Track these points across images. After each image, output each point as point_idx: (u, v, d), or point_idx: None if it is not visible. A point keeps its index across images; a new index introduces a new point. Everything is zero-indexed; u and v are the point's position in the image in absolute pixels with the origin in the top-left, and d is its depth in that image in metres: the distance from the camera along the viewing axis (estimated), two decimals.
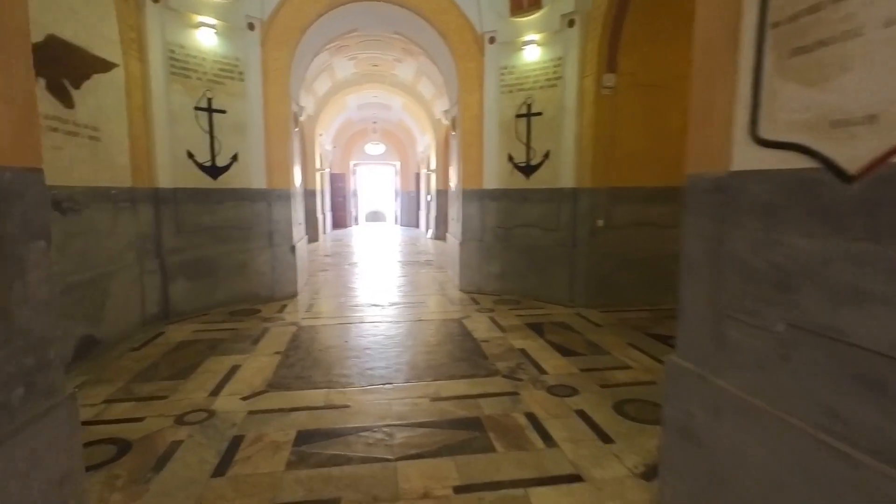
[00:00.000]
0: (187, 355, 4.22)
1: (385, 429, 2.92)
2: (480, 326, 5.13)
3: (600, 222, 5.92)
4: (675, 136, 6.00)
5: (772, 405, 1.61)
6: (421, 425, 2.97)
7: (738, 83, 1.74)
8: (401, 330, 5.05)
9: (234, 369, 3.88)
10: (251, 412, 3.14)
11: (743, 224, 1.72)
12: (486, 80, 6.63)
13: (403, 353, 4.28)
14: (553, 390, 3.47)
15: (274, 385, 3.57)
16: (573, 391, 3.45)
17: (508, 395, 3.39)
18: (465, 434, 2.85)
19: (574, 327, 5.08)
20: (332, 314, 5.71)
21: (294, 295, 6.59)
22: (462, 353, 4.27)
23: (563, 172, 6.19)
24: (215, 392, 3.44)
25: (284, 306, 6.04)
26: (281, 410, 3.16)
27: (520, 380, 3.67)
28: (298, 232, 7.10)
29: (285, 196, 6.50)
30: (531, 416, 3.07)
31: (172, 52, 5.36)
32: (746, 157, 1.71)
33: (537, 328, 5.05)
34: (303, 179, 12.83)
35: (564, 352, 4.29)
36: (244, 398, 3.34)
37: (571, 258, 6.16)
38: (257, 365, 3.98)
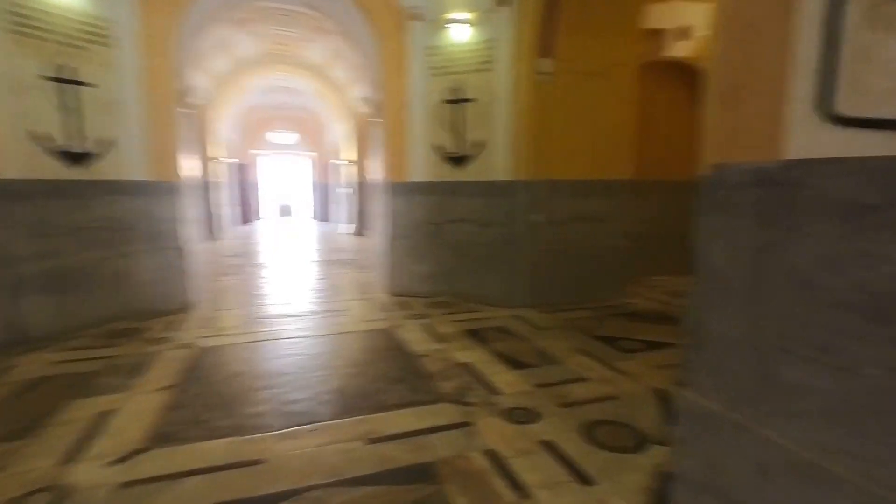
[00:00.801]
0: (38, 400, 3.21)
1: (314, 492, 2.26)
2: (416, 337, 4.55)
3: (539, 217, 5.57)
4: (613, 128, 5.81)
5: (853, 472, 1.21)
6: (359, 482, 2.34)
7: (798, 42, 1.31)
8: (323, 346, 4.33)
9: (103, 417, 2.97)
10: (125, 484, 2.32)
11: (809, 229, 1.29)
12: (412, 62, 6.01)
13: (329, 378, 3.59)
14: (511, 415, 2.99)
15: (160, 437, 2.74)
16: (534, 415, 2.99)
17: (461, 428, 2.85)
18: (415, 490, 2.27)
19: (517, 332, 4.67)
20: (238, 329, 4.83)
21: (188, 307, 5.56)
22: (399, 373, 3.67)
23: (499, 164, 5.76)
24: (72, 456, 2.55)
25: (176, 322, 5.03)
26: (169, 477, 2.37)
27: (471, 404, 3.15)
28: (192, 230, 6.03)
29: (172, 189, 5.44)
30: (492, 455, 2.56)
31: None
32: (813, 142, 1.28)
33: (479, 335, 4.57)
34: (203, 170, 11.40)
35: (514, 363, 3.85)
36: (115, 462, 2.50)
37: (508, 256, 5.76)
38: (137, 408, 3.10)
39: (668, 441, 2.62)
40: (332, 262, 9.21)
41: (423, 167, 6.16)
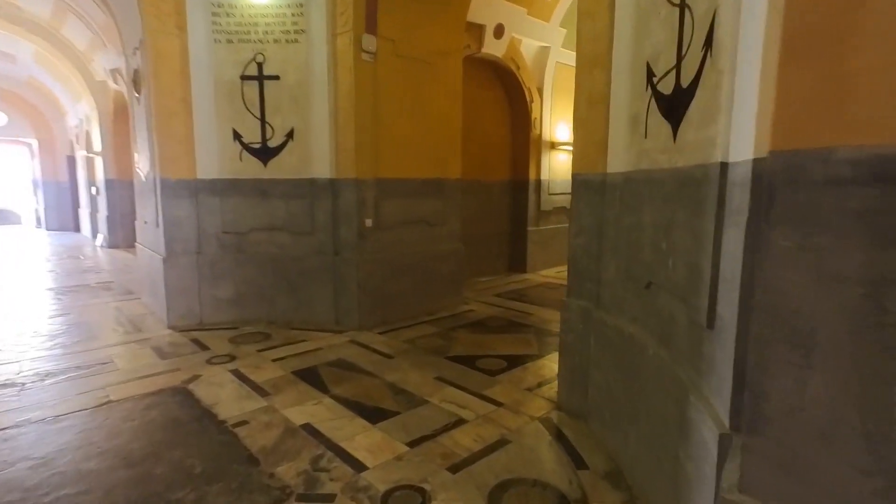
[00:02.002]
0: None
1: None
2: (225, 393, 3.28)
3: (369, 222, 4.75)
4: (443, 122, 5.32)
5: None
6: None
7: None
8: (67, 438, 2.75)
9: None
10: None
11: None
12: (192, 19, 4.53)
13: (81, 502, 2.17)
14: None
15: None
16: (423, 496, 2.20)
17: None
18: None
19: (361, 365, 3.78)
20: None
21: None
22: (207, 464, 2.46)
23: (317, 158, 4.74)
24: None
25: None
26: None
27: (330, 500, 2.19)
28: None
29: None
30: None
31: None
32: None
33: (314, 377, 3.54)
34: None
35: (370, 413, 2.98)
36: None
37: (335, 269, 4.80)
38: None
39: (590, 497, 2.14)
40: (78, 288, 6.74)
41: (216, 161, 4.73)
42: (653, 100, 2.12)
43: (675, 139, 1.92)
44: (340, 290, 4.81)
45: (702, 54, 1.68)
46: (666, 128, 1.99)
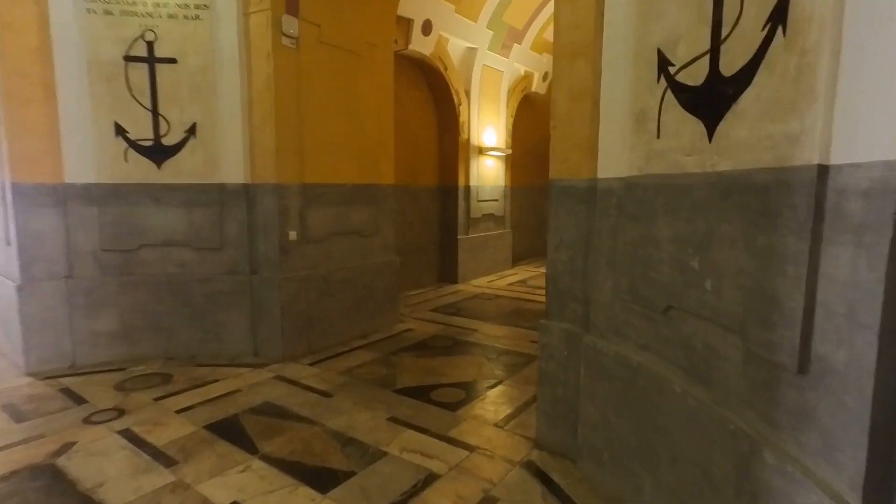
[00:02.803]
0: None
1: None
2: (111, 467, 2.47)
3: (293, 234, 4.07)
4: (375, 122, 4.78)
5: None
6: None
7: None
8: None
9: None
10: None
11: None
12: None
13: None
14: None
15: None
16: None
17: None
18: None
19: (294, 409, 3.13)
20: None
21: None
22: None
23: (227, 159, 3.98)
24: None
25: None
26: None
27: None
28: None
29: None
30: None
31: None
32: None
33: (233, 431, 2.83)
34: None
35: (316, 478, 2.37)
36: None
37: (252, 290, 4.05)
38: None
39: None
40: None
41: (92, 161, 3.78)
42: (669, 92, 1.81)
43: (710, 138, 1.61)
44: (259, 314, 4.07)
45: (763, 33, 1.37)
46: (693, 125, 1.68)
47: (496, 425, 2.93)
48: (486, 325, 5.03)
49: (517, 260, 8.92)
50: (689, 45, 1.71)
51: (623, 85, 2.11)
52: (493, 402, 3.25)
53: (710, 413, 1.61)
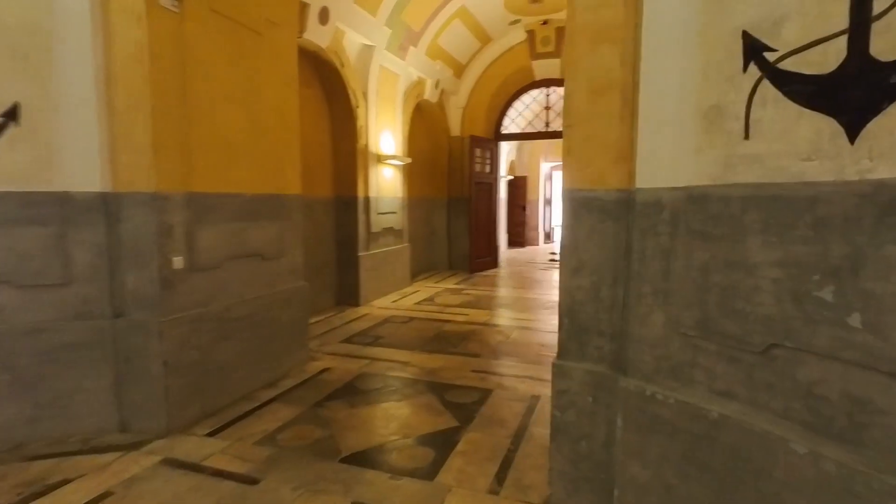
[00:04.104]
0: None
1: None
2: None
3: (178, 261, 3.03)
4: (279, 118, 3.90)
5: None
6: None
7: None
8: None
9: None
10: None
11: None
12: None
13: None
14: None
15: None
16: None
17: None
18: None
19: None
20: None
21: None
22: None
23: (70, 157, 2.82)
24: None
25: None
26: None
27: None
28: None
29: None
30: None
31: None
32: None
33: None
34: None
35: None
36: None
37: (116, 341, 2.92)
38: None
39: None
40: None
41: None
42: (767, 84, 1.48)
43: (852, 139, 1.30)
44: (128, 373, 2.94)
45: None
46: (816, 122, 1.36)
47: (491, 492, 2.36)
48: (416, 356, 4.42)
49: (414, 276, 8.41)
50: (803, 25, 1.39)
51: (679, 76, 1.74)
52: (471, 459, 2.67)
53: (866, 481, 1.27)
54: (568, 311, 2.13)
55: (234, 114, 3.42)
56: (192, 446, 2.79)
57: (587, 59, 2.00)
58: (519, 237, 14.48)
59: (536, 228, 15.55)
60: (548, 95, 9.40)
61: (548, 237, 16.50)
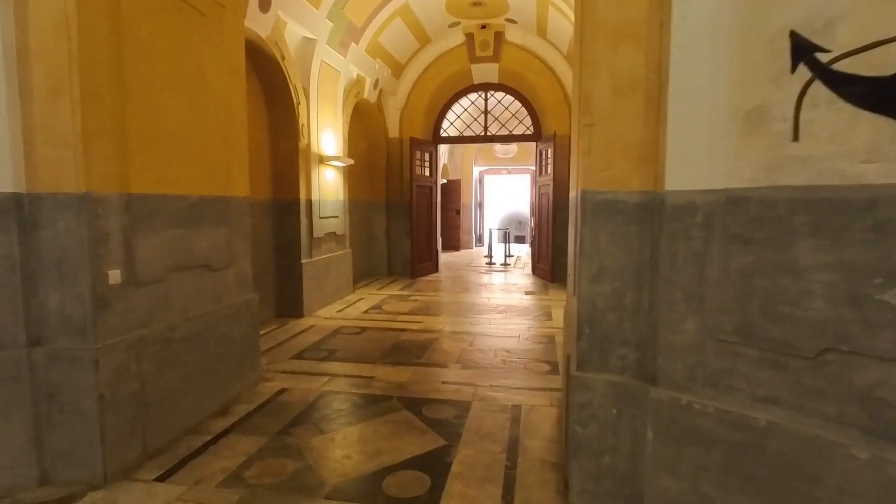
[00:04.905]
0: None
1: None
2: None
3: (115, 275, 2.55)
4: (226, 111, 3.48)
5: None
6: None
7: None
8: None
9: None
10: None
11: None
12: None
13: None
14: None
15: None
16: None
17: None
18: None
19: None
20: None
21: None
22: None
23: None
24: None
25: None
26: None
27: None
28: None
29: None
30: None
31: None
32: None
33: None
34: None
35: None
36: None
37: (32, 375, 2.40)
38: None
39: None
40: None
41: None
42: (819, 85, 1.46)
43: None
44: (52, 414, 2.42)
45: None
46: (875, 124, 1.36)
47: None
48: (379, 369, 4.14)
49: (354, 283, 8.04)
50: (861, 26, 1.38)
51: (712, 76, 1.69)
52: (470, 481, 2.48)
53: None
54: (588, 319, 2.02)
55: (177, 103, 2.97)
56: (139, 496, 2.35)
57: (609, 56, 1.91)
58: (453, 241, 14.47)
59: (469, 232, 15.65)
60: (486, 100, 9.45)
61: (479, 240, 16.68)
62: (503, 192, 18.57)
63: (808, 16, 1.48)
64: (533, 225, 16.15)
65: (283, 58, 5.54)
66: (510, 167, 16.37)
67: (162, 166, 2.86)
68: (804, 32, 1.48)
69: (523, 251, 14.60)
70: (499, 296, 7.57)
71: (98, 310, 2.44)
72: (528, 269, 10.43)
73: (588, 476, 2.05)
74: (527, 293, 7.82)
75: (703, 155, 1.74)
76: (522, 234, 17.48)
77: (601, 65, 1.93)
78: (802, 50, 1.49)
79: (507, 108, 9.63)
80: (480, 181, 17.07)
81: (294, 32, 5.70)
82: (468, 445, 2.84)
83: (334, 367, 4.23)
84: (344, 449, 2.82)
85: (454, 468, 2.60)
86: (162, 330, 2.86)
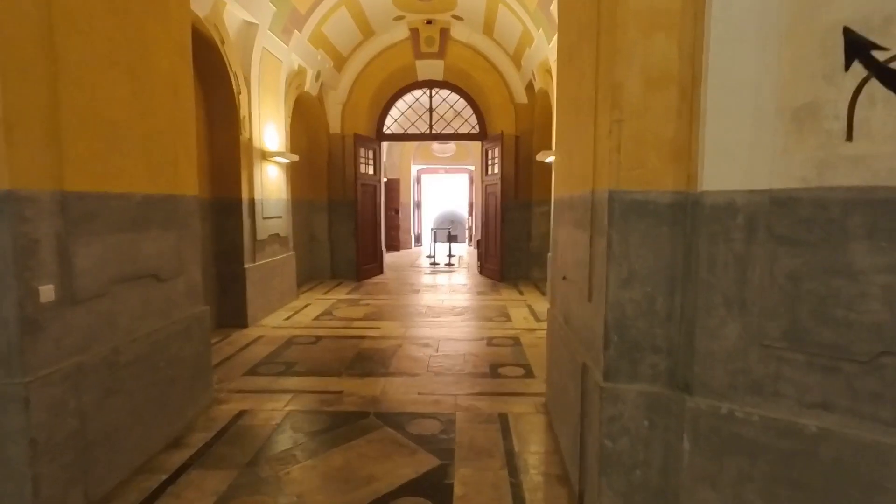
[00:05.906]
0: None
1: None
2: None
3: (48, 290, 2.09)
4: (168, 93, 3.04)
5: None
6: None
7: None
8: None
9: None
10: None
11: None
12: None
13: None
14: None
15: None
16: None
17: None
18: None
19: None
20: None
21: None
22: None
23: None
24: None
25: None
26: None
27: None
28: None
29: None
30: None
31: None
32: None
33: None
34: None
35: None
36: None
37: None
38: None
39: None
40: None
41: None
42: (876, 83, 1.43)
43: None
44: None
45: None
46: None
47: None
48: (346, 383, 3.83)
49: (298, 287, 7.55)
50: None
51: (756, 71, 1.63)
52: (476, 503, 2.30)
53: None
54: (616, 326, 1.91)
55: (118, 83, 2.52)
56: None
57: (640, 47, 1.80)
58: (394, 241, 14.16)
59: (409, 231, 15.40)
60: (431, 97, 9.27)
61: (417, 240, 16.47)
62: (440, 192, 18.49)
63: (863, 12, 1.44)
64: (471, 225, 16.21)
65: (223, 42, 5.02)
66: (448, 166, 16.31)
67: (102, 159, 2.40)
68: (859, 29, 1.45)
69: (463, 251, 14.59)
70: (451, 297, 7.43)
71: (26, 335, 1.98)
72: (474, 270, 10.39)
73: (616, 492, 1.94)
74: (479, 293, 7.74)
75: (744, 153, 1.67)
76: (456, 234, 17.52)
77: (633, 56, 1.82)
78: (857, 47, 1.45)
79: (452, 107, 9.52)
80: (418, 180, 16.87)
81: (234, 15, 5.18)
82: (465, 463, 2.65)
83: (295, 382, 3.86)
84: (330, 478, 2.53)
85: (457, 490, 2.40)
86: (105, 354, 2.40)
